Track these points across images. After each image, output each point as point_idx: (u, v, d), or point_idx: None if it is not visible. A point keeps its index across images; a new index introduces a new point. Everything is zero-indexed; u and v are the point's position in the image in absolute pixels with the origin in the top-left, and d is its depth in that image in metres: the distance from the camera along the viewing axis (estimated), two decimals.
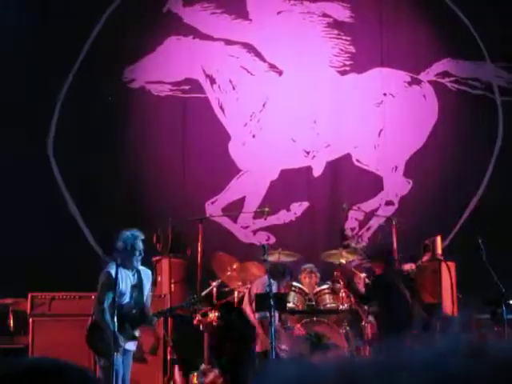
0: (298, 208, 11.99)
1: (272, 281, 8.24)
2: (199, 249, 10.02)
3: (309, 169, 12.12)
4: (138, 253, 7.59)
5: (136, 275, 7.64)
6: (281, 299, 8.46)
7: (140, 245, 7.62)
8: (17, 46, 11.90)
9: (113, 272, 7.30)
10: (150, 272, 7.93)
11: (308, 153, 12.14)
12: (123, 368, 7.43)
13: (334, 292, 9.75)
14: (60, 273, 10.62)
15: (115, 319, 7.11)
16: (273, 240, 11.70)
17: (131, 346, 7.64)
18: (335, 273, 9.85)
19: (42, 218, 11.48)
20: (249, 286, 9.54)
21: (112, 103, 11.89)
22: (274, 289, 8.33)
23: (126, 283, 7.52)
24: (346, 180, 12.16)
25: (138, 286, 7.62)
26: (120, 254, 7.46)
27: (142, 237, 7.71)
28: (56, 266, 11.01)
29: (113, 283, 7.24)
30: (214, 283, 10.01)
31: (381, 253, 9.27)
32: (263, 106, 12.20)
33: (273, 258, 9.68)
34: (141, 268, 7.72)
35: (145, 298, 7.68)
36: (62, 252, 11.18)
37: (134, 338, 7.63)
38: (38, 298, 9.29)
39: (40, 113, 11.86)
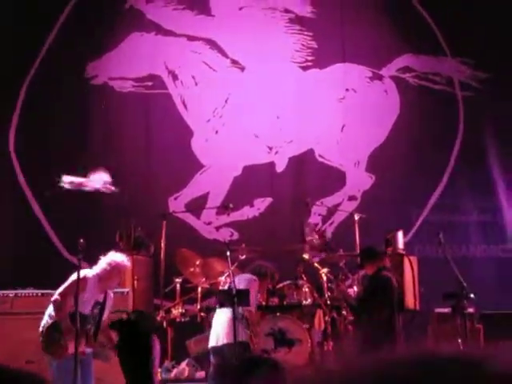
0: (262, 204, 12.02)
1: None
2: (162, 245, 10.00)
3: (272, 164, 12.14)
4: (118, 280, 7.91)
5: (102, 296, 7.68)
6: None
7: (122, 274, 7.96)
8: None
9: (88, 277, 7.40)
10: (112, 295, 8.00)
11: (271, 148, 12.17)
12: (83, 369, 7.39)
13: (296, 287, 9.78)
14: (22, 271, 10.57)
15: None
16: (236, 236, 11.73)
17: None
18: (298, 268, 9.90)
19: (4, 216, 11.43)
20: (221, 280, 9.42)
21: (74, 100, 11.85)
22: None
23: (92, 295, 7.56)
24: (308, 175, 12.21)
25: (100, 306, 7.63)
26: (102, 271, 7.57)
27: (129, 266, 8.07)
28: (18, 264, 10.97)
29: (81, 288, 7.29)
30: (178, 279, 10.03)
31: (368, 254, 9.19)
32: (226, 101, 12.20)
33: (244, 256, 9.74)
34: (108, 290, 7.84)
35: (103, 318, 7.70)
36: (25, 250, 11.14)
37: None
38: (0, 296, 9.21)
39: (1, 109, 11.79)
